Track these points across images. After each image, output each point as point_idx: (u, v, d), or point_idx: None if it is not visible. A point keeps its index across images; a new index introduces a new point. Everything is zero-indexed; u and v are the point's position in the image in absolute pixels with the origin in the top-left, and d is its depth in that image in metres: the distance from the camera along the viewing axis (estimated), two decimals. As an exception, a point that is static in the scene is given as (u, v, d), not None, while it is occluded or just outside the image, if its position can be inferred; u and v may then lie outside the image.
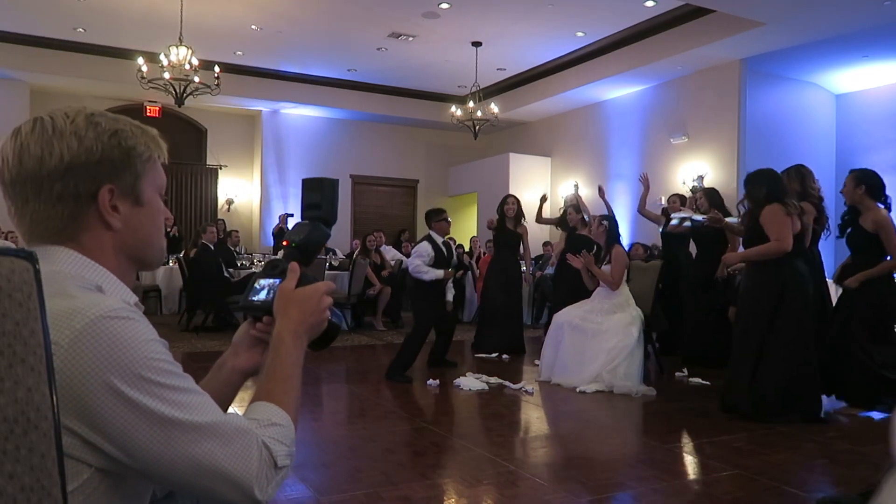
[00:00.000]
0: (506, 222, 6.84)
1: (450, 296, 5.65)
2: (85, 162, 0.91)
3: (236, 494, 0.87)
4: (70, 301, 0.82)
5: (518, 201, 6.93)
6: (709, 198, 6.02)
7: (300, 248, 1.21)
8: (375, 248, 9.31)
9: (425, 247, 5.53)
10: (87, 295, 0.85)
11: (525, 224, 6.98)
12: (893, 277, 4.46)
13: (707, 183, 9.09)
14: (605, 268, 5.31)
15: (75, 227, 0.92)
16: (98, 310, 0.82)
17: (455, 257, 5.62)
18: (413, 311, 5.73)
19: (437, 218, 5.65)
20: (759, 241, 4.06)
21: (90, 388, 0.80)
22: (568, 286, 6.37)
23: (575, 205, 7.16)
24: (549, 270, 8.58)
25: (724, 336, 5.86)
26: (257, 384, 1.05)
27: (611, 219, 5.62)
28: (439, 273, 5.39)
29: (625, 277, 5.34)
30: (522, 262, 7.13)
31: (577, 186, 9.60)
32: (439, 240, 5.59)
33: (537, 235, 10.70)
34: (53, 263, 0.89)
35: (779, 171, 4.37)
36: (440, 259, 5.50)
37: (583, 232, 6.74)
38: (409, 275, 5.61)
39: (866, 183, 4.36)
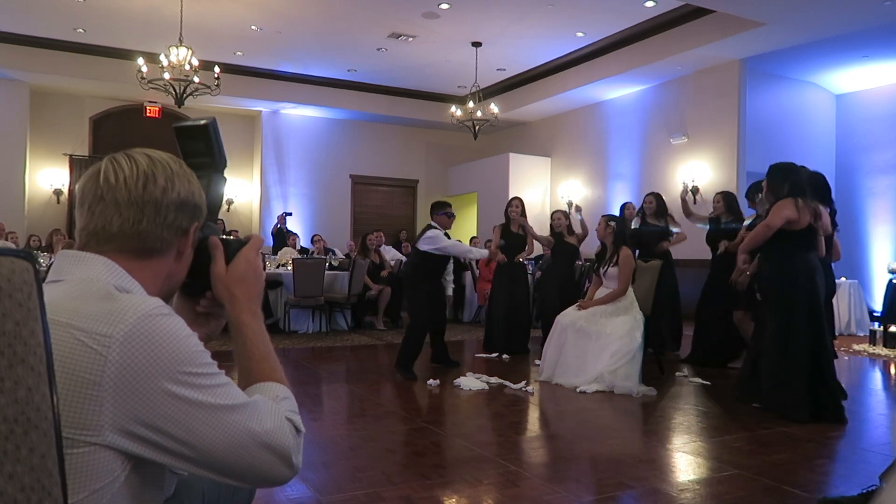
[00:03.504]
0: (510, 224, 6.74)
1: (449, 290, 5.58)
2: (192, 202, 1.07)
3: (281, 464, 0.98)
4: (115, 302, 0.91)
5: (522, 203, 6.81)
6: (725, 200, 6.12)
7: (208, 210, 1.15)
8: (375, 248, 9.31)
9: (435, 231, 5.44)
10: (129, 296, 0.94)
11: (528, 223, 6.88)
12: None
13: (707, 183, 9.10)
14: (612, 269, 5.29)
15: (161, 249, 1.05)
16: (145, 307, 0.91)
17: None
18: (409, 307, 5.70)
19: (440, 210, 5.58)
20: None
21: (147, 395, 0.87)
22: (557, 292, 6.49)
23: (564, 211, 7.12)
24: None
25: (727, 338, 5.90)
26: (239, 370, 1.09)
27: (619, 219, 5.59)
28: (484, 252, 5.68)
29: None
30: (528, 265, 7.08)
31: (579, 209, 9.66)
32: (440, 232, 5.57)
33: (537, 235, 10.69)
34: (91, 270, 0.98)
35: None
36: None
37: (569, 240, 6.75)
38: (405, 274, 5.62)
39: (789, 182, 4.49)
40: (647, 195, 6.82)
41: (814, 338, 3.99)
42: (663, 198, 6.81)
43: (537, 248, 10.29)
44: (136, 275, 1.02)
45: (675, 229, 6.62)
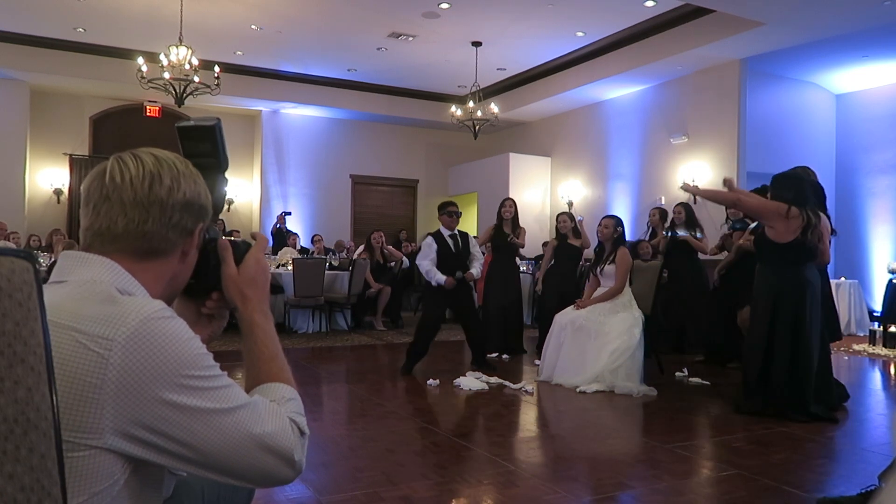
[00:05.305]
0: (503, 225, 6.78)
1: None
2: (198, 203, 1.07)
3: (283, 464, 0.97)
4: (117, 305, 0.91)
5: (515, 204, 6.88)
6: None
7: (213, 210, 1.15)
8: (378, 248, 9.29)
9: (429, 241, 5.61)
10: (131, 299, 0.94)
11: (522, 226, 6.93)
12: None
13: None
14: (609, 268, 5.30)
15: (166, 250, 1.04)
16: (147, 310, 0.90)
17: (464, 250, 5.62)
18: (423, 305, 5.84)
19: (441, 211, 5.76)
20: (765, 241, 4.13)
21: (148, 398, 0.87)
22: (557, 292, 6.51)
23: (570, 213, 7.17)
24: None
25: (730, 337, 5.91)
26: (248, 369, 1.10)
27: (622, 222, 5.64)
28: (442, 279, 5.49)
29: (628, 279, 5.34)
30: (521, 264, 7.15)
31: (570, 204, 10.41)
32: (446, 233, 5.62)
33: (538, 236, 10.70)
34: (94, 272, 0.98)
35: (778, 172, 4.38)
36: (446, 253, 5.54)
37: (573, 242, 6.76)
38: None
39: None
40: (676, 205, 6.93)
41: (801, 350, 4.00)
42: (692, 207, 6.89)
43: (537, 249, 10.35)
44: (140, 276, 1.01)
45: (699, 235, 6.69)
